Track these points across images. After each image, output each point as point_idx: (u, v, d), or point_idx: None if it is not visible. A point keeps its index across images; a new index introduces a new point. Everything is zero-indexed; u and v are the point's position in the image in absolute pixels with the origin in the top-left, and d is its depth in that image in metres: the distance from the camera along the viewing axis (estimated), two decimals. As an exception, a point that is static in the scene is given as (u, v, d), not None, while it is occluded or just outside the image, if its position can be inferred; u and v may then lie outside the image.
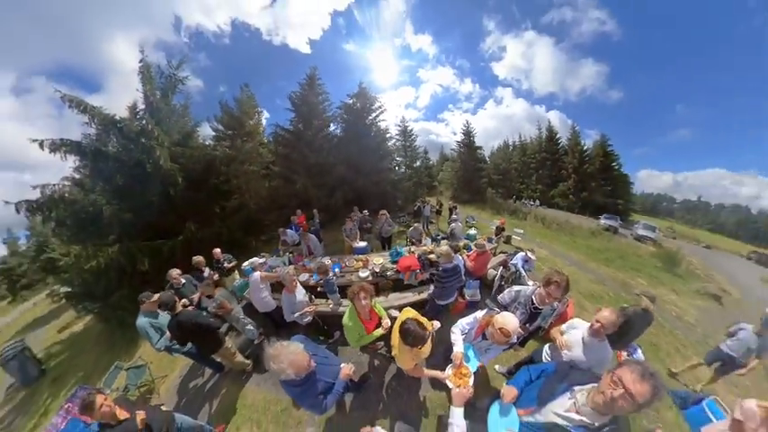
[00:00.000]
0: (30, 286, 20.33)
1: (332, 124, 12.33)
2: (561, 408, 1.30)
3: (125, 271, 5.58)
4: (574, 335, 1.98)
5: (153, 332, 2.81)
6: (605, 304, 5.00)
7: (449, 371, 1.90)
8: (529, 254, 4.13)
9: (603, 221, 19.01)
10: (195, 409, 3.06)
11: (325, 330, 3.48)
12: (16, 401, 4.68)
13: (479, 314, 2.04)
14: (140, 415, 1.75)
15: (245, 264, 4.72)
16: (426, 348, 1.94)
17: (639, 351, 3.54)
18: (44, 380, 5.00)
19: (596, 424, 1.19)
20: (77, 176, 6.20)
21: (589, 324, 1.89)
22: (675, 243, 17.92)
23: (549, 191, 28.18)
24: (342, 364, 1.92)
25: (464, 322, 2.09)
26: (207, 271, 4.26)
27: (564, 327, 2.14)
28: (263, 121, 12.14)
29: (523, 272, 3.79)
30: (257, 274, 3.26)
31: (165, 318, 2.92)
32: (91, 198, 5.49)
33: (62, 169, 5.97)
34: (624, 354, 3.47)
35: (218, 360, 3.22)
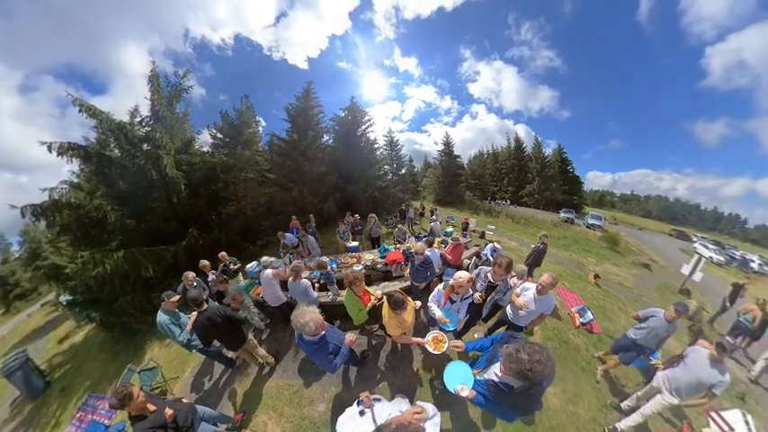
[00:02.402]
0: (23, 296, 18.25)
1: (325, 135, 12.23)
2: (498, 368, 1.45)
3: (129, 277, 5.24)
4: (527, 295, 2.43)
5: (174, 327, 2.71)
6: (565, 279, 5.96)
7: (428, 338, 2.23)
8: (496, 244, 4.57)
9: (563, 215, 20.58)
10: (211, 404, 2.94)
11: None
12: (24, 415, 4.24)
13: (440, 286, 2.47)
14: (168, 411, 1.71)
15: (249, 266, 4.75)
16: (408, 316, 2.23)
17: (589, 312, 4.25)
18: (50, 391, 4.57)
19: (515, 386, 1.34)
20: (76, 180, 5.75)
21: (535, 285, 2.39)
22: (617, 228, 20.17)
23: (518, 191, 30.17)
24: (346, 333, 2.14)
25: (433, 296, 2.48)
26: (211, 275, 4.15)
27: (518, 290, 2.56)
28: (260, 130, 11.88)
29: (492, 259, 4.13)
30: (269, 271, 3.34)
31: (185, 318, 2.84)
32: (95, 203, 5.13)
33: (59, 172, 5.62)
34: (577, 315, 4.14)
35: (232, 356, 3.13)
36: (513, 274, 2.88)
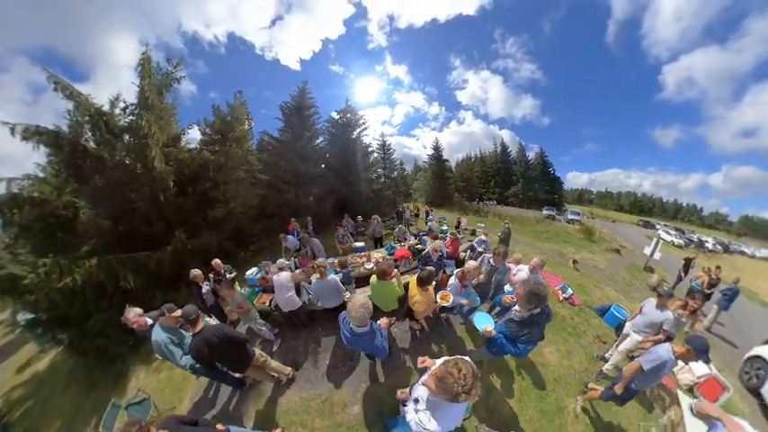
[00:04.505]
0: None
1: (321, 136, 11.77)
2: (515, 310, 2.01)
3: (104, 289, 4.38)
4: (520, 275, 3.08)
5: (174, 348, 2.14)
6: (548, 266, 6.12)
7: (438, 297, 2.63)
8: (484, 237, 5.21)
9: (545, 212, 22.31)
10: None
11: None
12: (-27, 469, 3.26)
13: (453, 280, 2.79)
14: None
15: (249, 272, 4.25)
16: (431, 293, 2.58)
17: (569, 289, 4.85)
18: (9, 436, 3.55)
19: (526, 316, 1.89)
20: (42, 175, 4.77)
21: (528, 267, 3.04)
22: (593, 222, 22.18)
23: (503, 192, 31.77)
24: (379, 320, 2.16)
25: (450, 289, 2.76)
26: (206, 286, 3.54)
27: (514, 270, 3.23)
28: (251, 128, 11.01)
29: (479, 249, 4.85)
30: (285, 273, 3.08)
31: (184, 336, 2.30)
32: (64, 199, 4.23)
33: (23, 167, 4.44)
34: (560, 292, 4.78)
35: (239, 376, 2.63)
36: (511, 259, 3.49)
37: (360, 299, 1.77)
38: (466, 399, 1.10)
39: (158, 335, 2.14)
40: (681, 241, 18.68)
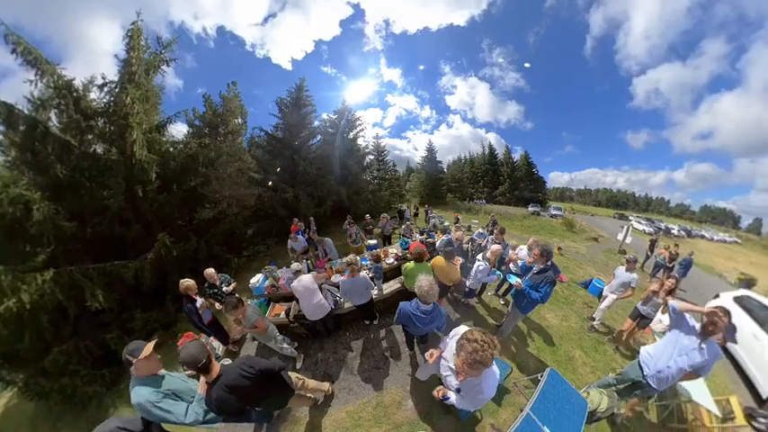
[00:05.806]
0: None
1: (318, 135, 11.26)
2: (534, 267, 2.64)
3: (66, 312, 3.43)
4: (521, 253, 3.68)
5: (170, 404, 1.43)
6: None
7: (453, 262, 2.92)
8: (481, 229, 5.73)
9: (530, 209, 24.03)
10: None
11: (369, 315, 3.42)
12: None
13: (483, 264, 3.08)
14: None
15: (253, 280, 3.63)
16: (457, 265, 2.94)
17: (557, 268, 5.14)
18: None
19: (543, 266, 2.51)
20: None
21: (526, 246, 3.71)
22: (574, 216, 23.57)
23: (492, 192, 33.37)
24: None
25: (479, 269, 3.10)
26: (199, 301, 2.87)
27: (515, 251, 3.83)
28: (246, 122, 10.11)
29: (479, 240, 5.12)
30: (307, 276, 2.71)
31: (177, 379, 1.59)
32: (13, 192, 3.24)
33: None
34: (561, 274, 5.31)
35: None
36: (508, 242, 4.05)
37: (426, 278, 1.80)
38: (498, 352, 1.15)
39: (139, 395, 1.40)
40: (651, 229, 20.96)
